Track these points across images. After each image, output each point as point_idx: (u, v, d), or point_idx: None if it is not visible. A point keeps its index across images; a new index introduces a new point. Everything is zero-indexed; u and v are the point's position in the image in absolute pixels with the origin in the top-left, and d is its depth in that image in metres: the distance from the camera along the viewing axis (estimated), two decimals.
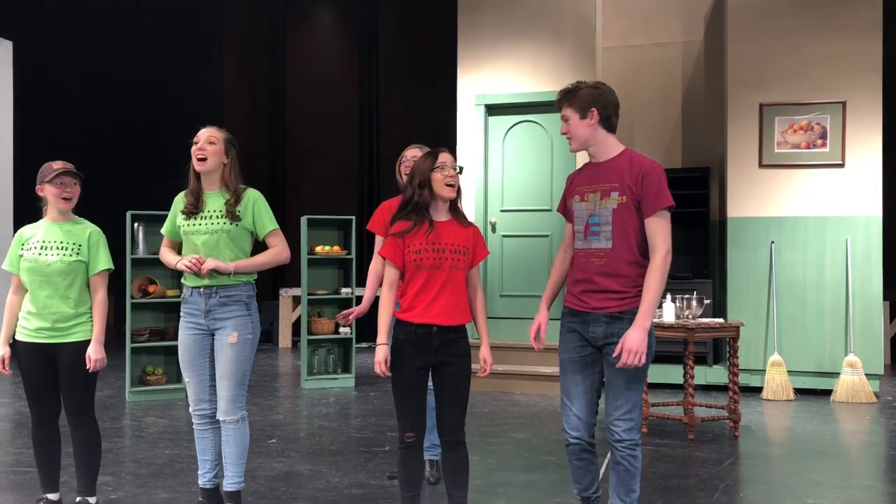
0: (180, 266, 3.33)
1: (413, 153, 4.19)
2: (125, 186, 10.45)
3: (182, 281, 3.48)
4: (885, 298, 7.05)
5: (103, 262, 3.62)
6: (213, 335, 3.42)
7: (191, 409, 3.50)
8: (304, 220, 7.52)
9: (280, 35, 12.44)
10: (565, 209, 3.18)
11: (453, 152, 7.81)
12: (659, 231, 2.90)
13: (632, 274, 2.95)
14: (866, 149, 6.88)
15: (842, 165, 6.91)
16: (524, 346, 7.32)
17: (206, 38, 11.25)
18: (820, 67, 6.99)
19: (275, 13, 12.39)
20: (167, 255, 3.51)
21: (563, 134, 3.07)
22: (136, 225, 6.89)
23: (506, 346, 7.38)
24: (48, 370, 3.54)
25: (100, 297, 3.61)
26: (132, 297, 6.76)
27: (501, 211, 7.65)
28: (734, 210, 7.18)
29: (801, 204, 6.99)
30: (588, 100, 2.99)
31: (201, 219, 3.39)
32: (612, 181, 2.96)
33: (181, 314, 3.47)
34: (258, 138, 12.07)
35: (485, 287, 7.50)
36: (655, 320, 5.41)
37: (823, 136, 6.96)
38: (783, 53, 7.08)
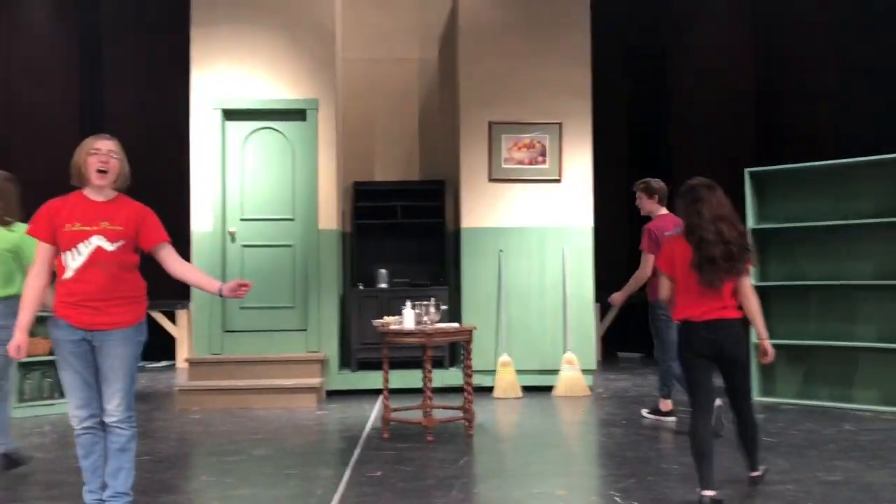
0: None
1: (107, 145, 3.54)
2: None
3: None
4: (596, 300, 7.83)
5: None
6: None
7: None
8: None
9: None
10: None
11: (187, 157, 7.47)
12: None
13: None
14: (580, 166, 7.62)
15: (559, 181, 7.59)
16: (264, 359, 7.14)
17: None
18: (540, 91, 7.61)
19: None
20: None
21: None
22: None
23: (245, 360, 7.14)
24: None
25: None
26: None
27: (241, 220, 7.40)
28: (467, 221, 7.58)
29: (525, 215, 7.56)
30: None
31: None
32: None
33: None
34: None
35: (224, 299, 7.19)
36: (396, 327, 5.54)
37: (543, 153, 7.60)
38: (508, 76, 7.61)
